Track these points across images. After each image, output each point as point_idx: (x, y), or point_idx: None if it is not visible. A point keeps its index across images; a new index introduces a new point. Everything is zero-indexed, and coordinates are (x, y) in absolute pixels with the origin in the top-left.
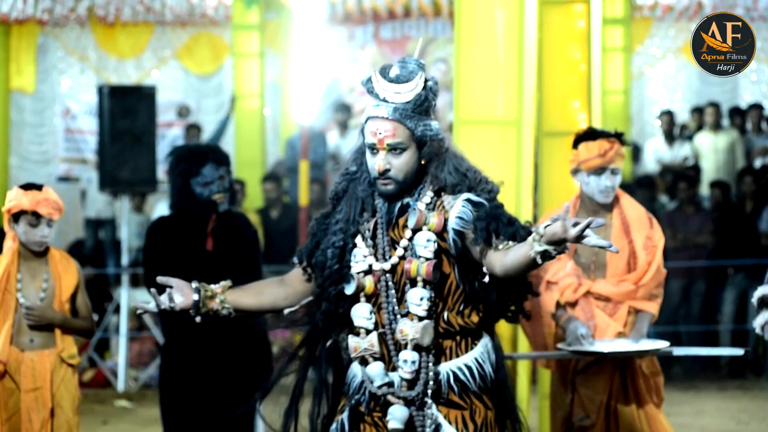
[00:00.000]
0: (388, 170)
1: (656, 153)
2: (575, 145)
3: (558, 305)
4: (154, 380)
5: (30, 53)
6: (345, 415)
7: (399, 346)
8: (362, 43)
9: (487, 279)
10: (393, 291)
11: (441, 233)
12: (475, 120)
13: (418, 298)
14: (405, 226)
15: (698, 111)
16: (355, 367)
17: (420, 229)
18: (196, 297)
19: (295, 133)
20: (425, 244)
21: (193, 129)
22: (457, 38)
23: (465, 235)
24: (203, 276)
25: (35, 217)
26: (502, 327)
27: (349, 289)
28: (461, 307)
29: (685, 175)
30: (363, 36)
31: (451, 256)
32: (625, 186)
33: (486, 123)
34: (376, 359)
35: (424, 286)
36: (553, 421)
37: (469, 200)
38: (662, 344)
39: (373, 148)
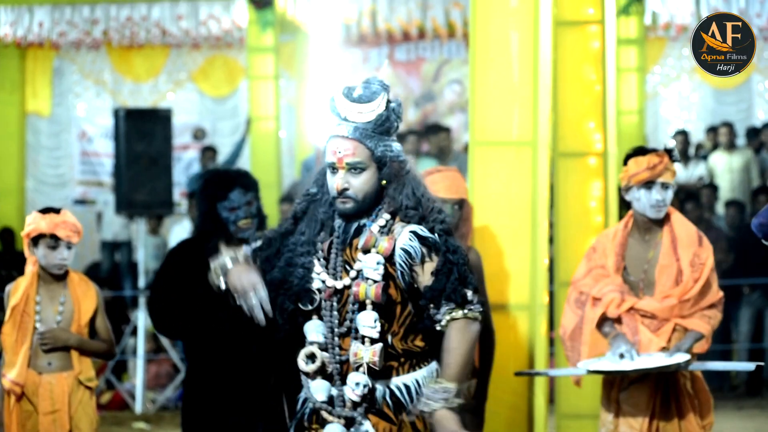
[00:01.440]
0: (346, 189)
1: None
2: (625, 162)
3: (606, 321)
4: (172, 402)
5: (46, 77)
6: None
7: (344, 366)
8: (377, 65)
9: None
10: (336, 312)
11: (390, 257)
12: (490, 141)
13: (371, 320)
14: (357, 248)
15: (713, 130)
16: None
17: (369, 251)
18: None
19: (311, 155)
20: (374, 266)
21: (209, 151)
22: (472, 60)
23: (411, 268)
24: (215, 304)
25: (54, 240)
26: (519, 340)
27: (306, 306)
28: (405, 332)
29: (695, 194)
30: (378, 58)
31: (399, 281)
32: None
33: (501, 144)
34: (322, 377)
35: (373, 309)
36: None
37: (415, 233)
38: (680, 359)
39: (333, 167)
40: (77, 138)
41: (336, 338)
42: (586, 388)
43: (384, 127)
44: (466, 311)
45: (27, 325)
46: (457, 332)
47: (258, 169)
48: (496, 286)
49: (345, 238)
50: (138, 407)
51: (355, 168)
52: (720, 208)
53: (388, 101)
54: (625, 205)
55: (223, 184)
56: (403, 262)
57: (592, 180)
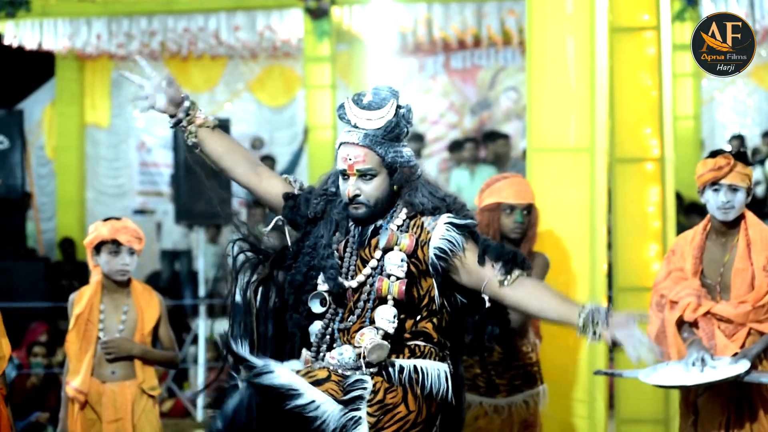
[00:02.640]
0: (357, 195)
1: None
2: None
3: (684, 325)
4: None
5: (104, 88)
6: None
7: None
8: (433, 73)
9: (488, 304)
10: (340, 310)
11: (412, 254)
12: (548, 148)
13: (390, 315)
14: (376, 247)
15: None
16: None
17: (391, 249)
18: (181, 115)
19: None
20: (399, 263)
21: (267, 161)
22: (528, 66)
23: (451, 257)
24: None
25: (115, 246)
26: (578, 344)
27: (316, 307)
28: (418, 318)
29: (755, 199)
30: (433, 66)
31: (427, 276)
32: (695, 210)
33: (559, 151)
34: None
35: (393, 305)
36: None
37: (452, 223)
38: (739, 370)
39: (344, 174)
40: (136, 148)
41: (336, 332)
42: (647, 393)
43: (394, 133)
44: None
45: (91, 334)
46: (532, 280)
47: (316, 178)
48: None
49: (362, 240)
50: (199, 415)
51: (365, 175)
52: None
53: (398, 107)
54: (683, 210)
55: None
56: (442, 254)
57: (649, 185)
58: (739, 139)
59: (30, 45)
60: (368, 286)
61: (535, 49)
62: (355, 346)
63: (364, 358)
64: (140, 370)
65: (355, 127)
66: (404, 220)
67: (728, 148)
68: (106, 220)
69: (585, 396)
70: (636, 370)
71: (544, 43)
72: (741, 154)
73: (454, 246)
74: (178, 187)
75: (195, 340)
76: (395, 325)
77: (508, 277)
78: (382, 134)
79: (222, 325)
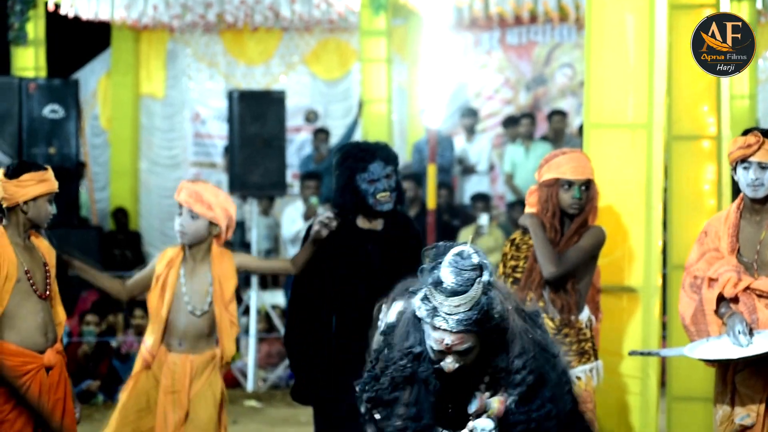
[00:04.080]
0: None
1: None
2: None
3: (721, 301)
4: (283, 381)
5: (160, 59)
6: None
7: None
8: (488, 49)
9: None
10: None
11: (504, 417)
12: (605, 124)
13: (489, 429)
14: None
15: None
16: None
17: (480, 415)
18: None
19: (422, 138)
20: (486, 429)
21: (321, 134)
22: (587, 42)
23: None
24: (360, 276)
25: (179, 206)
26: (632, 322)
27: None
28: None
29: None
30: (489, 41)
31: None
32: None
33: (617, 127)
34: None
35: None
36: (714, 421)
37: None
38: None
39: (441, 351)
40: (190, 120)
41: None
42: (699, 370)
43: (485, 314)
44: None
45: (165, 293)
46: None
47: None
48: (611, 268)
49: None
50: (250, 385)
51: (465, 352)
52: None
53: (485, 284)
54: (738, 189)
55: (363, 156)
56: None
57: (705, 163)
58: None
59: (86, 15)
60: None
61: (594, 25)
62: None
63: None
64: (223, 341)
65: (446, 314)
66: (488, 381)
67: None
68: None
69: (638, 373)
70: (675, 348)
71: (603, 19)
72: None
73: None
74: (233, 159)
75: (246, 311)
76: None
77: None
78: (476, 317)
79: (273, 297)
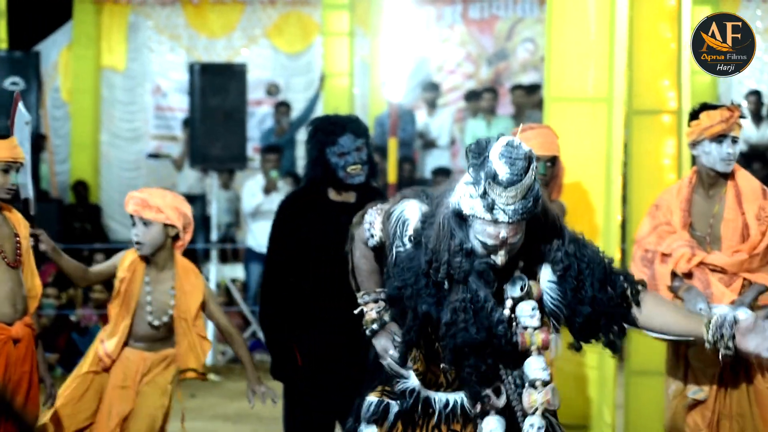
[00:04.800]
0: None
1: (743, 133)
2: (694, 118)
3: (674, 276)
4: None
5: (121, 32)
6: (394, 406)
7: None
8: (450, 23)
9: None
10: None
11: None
12: (566, 97)
13: (541, 366)
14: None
15: None
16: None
17: (523, 299)
18: None
19: (384, 111)
20: (531, 313)
21: (283, 107)
22: (548, 16)
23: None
24: (333, 249)
25: (131, 216)
26: None
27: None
28: None
29: (762, 154)
30: (451, 15)
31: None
32: None
33: (577, 100)
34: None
35: (539, 354)
36: (665, 396)
37: (554, 276)
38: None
39: (493, 246)
40: (151, 93)
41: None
42: (657, 345)
43: (538, 199)
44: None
45: (130, 303)
46: (655, 296)
47: None
48: None
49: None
50: (209, 359)
51: (516, 243)
52: None
53: (534, 169)
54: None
55: (332, 129)
56: (555, 298)
57: (666, 138)
58: (756, 94)
59: None
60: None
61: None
62: (530, 411)
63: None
64: (183, 352)
65: (504, 205)
66: (524, 264)
67: (745, 103)
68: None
69: (595, 347)
70: None
71: None
72: (738, 105)
73: (558, 301)
74: (193, 132)
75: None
76: (548, 370)
77: (634, 293)
78: (530, 205)
79: (233, 270)
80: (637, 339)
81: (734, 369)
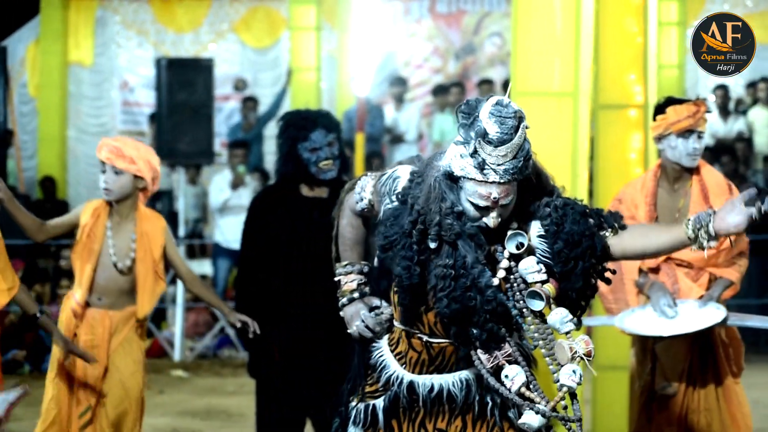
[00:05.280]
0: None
1: (710, 127)
2: (659, 112)
3: (640, 272)
4: (210, 350)
5: (88, 27)
6: (380, 404)
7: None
8: (418, 17)
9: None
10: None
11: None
12: (531, 92)
13: (566, 314)
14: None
15: (753, 86)
16: (389, 360)
17: (521, 257)
18: None
19: (353, 106)
20: (536, 267)
21: (250, 102)
22: (514, 10)
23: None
24: (306, 245)
25: (101, 163)
26: None
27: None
28: None
29: (730, 148)
30: (419, 10)
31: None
32: None
33: (543, 95)
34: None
35: (558, 305)
36: (632, 391)
37: (541, 236)
38: (719, 315)
39: (485, 207)
40: (119, 88)
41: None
42: (624, 340)
43: (528, 158)
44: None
45: (93, 247)
46: (631, 226)
47: None
48: None
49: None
50: (177, 355)
51: (508, 203)
52: (759, 164)
53: (525, 127)
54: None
55: (304, 125)
56: (545, 251)
57: (632, 132)
58: (723, 89)
59: None
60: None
61: None
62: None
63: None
64: (141, 298)
65: (494, 165)
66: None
67: (712, 98)
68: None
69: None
70: (600, 317)
71: None
72: (704, 100)
73: (547, 252)
74: (160, 127)
75: (174, 281)
76: (572, 319)
77: (609, 232)
78: (522, 164)
79: (201, 266)
80: (604, 334)
81: (702, 364)
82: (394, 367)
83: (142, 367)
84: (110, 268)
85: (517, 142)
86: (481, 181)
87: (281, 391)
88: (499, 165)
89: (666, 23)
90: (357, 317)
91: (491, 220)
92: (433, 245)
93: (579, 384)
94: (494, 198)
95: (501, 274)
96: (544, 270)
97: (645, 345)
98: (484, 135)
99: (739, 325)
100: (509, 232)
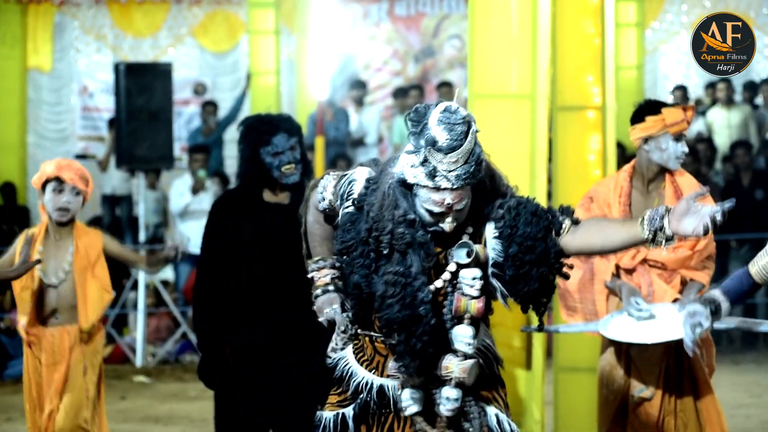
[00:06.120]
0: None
1: None
2: (648, 113)
3: (614, 275)
4: (172, 356)
5: (47, 32)
6: (350, 412)
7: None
8: (377, 20)
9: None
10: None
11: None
12: (489, 94)
13: (469, 337)
14: (449, 254)
15: (711, 86)
16: (356, 367)
17: (468, 265)
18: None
19: (315, 111)
20: (471, 282)
21: (209, 106)
22: (471, 12)
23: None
24: (268, 251)
25: (59, 183)
26: None
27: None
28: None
29: (693, 149)
30: (378, 13)
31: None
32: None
33: (500, 97)
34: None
35: (470, 324)
36: (600, 395)
37: (496, 237)
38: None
39: (440, 213)
40: (78, 93)
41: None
42: (585, 341)
43: (479, 164)
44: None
45: (31, 274)
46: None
47: None
48: None
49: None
50: (138, 361)
51: (462, 209)
52: (717, 164)
53: (475, 132)
54: (624, 160)
55: (266, 129)
56: (499, 252)
57: (590, 133)
58: (682, 89)
59: None
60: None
61: None
62: (444, 377)
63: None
64: (82, 309)
65: (445, 172)
66: (474, 229)
67: (671, 98)
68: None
69: (523, 344)
70: (577, 323)
71: None
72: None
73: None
74: (119, 132)
75: (135, 286)
76: (474, 344)
77: (563, 228)
78: (473, 169)
79: (162, 271)
80: (565, 336)
81: (678, 366)
82: (362, 374)
83: (97, 366)
84: (56, 288)
85: (467, 147)
86: (434, 188)
87: (238, 398)
88: (450, 171)
89: (624, 24)
90: (328, 304)
91: (447, 224)
92: (385, 252)
93: (452, 411)
94: (448, 204)
95: (439, 284)
96: (478, 286)
97: (619, 348)
98: (433, 143)
99: (724, 328)
100: (462, 239)
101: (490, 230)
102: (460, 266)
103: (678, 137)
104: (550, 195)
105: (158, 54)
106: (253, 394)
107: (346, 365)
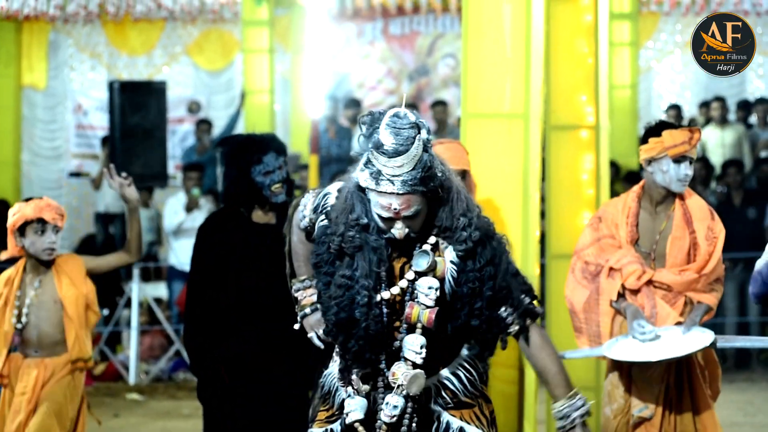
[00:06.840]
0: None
1: None
2: (653, 135)
3: (620, 295)
4: (165, 373)
5: (41, 50)
6: (337, 428)
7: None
8: (371, 39)
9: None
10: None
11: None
12: (482, 114)
13: (418, 346)
14: (407, 262)
15: (705, 105)
16: (340, 383)
17: (426, 274)
18: None
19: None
20: (426, 291)
21: (204, 124)
22: (464, 32)
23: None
24: (258, 269)
25: (41, 224)
26: None
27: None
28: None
29: None
30: (372, 32)
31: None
32: (634, 179)
33: (494, 116)
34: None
35: (422, 333)
36: (603, 416)
37: (456, 258)
38: (708, 338)
39: (389, 218)
40: (72, 111)
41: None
42: (577, 360)
43: (429, 169)
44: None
45: (5, 315)
46: (542, 336)
47: None
48: None
49: (398, 254)
50: (132, 378)
51: (413, 216)
52: (713, 183)
53: (424, 141)
54: (619, 179)
55: (257, 148)
56: (451, 286)
57: (584, 153)
58: (676, 109)
59: None
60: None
61: (471, 15)
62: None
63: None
64: (73, 341)
65: (390, 176)
66: (435, 240)
67: (665, 117)
68: (27, 200)
69: (515, 362)
70: (584, 349)
71: (480, 9)
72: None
73: (457, 280)
74: (113, 150)
75: (128, 304)
76: (422, 355)
77: (519, 328)
78: (420, 175)
79: (155, 289)
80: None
81: (678, 385)
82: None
83: (79, 391)
84: (37, 326)
85: (413, 152)
86: (381, 191)
87: (228, 410)
88: (395, 176)
89: (618, 44)
90: (319, 325)
91: (397, 231)
92: (336, 255)
93: (391, 418)
94: (395, 209)
95: (395, 290)
96: (433, 297)
97: (621, 368)
98: (378, 146)
99: (728, 347)
100: (421, 248)
101: (449, 254)
102: (418, 275)
103: (679, 160)
104: (543, 214)
105: (153, 72)
106: (243, 405)
107: (332, 380)
